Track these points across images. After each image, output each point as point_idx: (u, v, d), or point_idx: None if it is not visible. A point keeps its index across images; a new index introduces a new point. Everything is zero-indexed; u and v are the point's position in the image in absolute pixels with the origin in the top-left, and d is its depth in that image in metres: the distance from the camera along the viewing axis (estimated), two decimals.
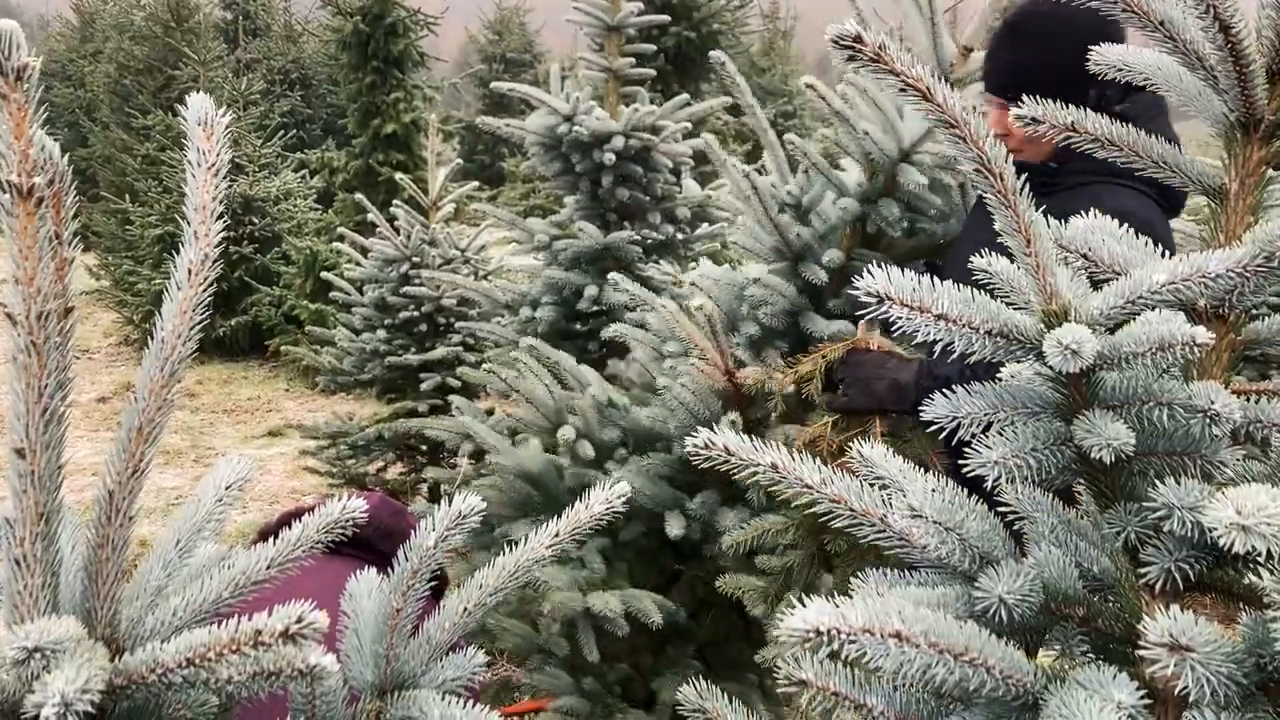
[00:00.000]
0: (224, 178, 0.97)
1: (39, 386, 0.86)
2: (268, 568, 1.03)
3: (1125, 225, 2.00)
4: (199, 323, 0.97)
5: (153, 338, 0.96)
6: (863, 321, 2.39)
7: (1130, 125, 1.64)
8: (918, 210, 2.60)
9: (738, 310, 2.66)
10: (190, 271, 0.96)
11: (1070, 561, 1.04)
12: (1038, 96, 1.04)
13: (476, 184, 6.69)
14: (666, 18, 4.76)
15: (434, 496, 4.73)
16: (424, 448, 4.91)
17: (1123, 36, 2.16)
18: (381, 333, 5.01)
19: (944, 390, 2.21)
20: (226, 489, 1.11)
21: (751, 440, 1.06)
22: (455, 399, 4.15)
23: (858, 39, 0.83)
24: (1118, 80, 1.57)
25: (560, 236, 3.92)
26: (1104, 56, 1.10)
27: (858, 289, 0.90)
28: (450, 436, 3.95)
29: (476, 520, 1.11)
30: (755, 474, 1.04)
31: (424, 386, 4.81)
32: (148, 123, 10.74)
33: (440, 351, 4.88)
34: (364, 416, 6.52)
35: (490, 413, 4.15)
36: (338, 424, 5.07)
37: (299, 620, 0.82)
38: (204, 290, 0.97)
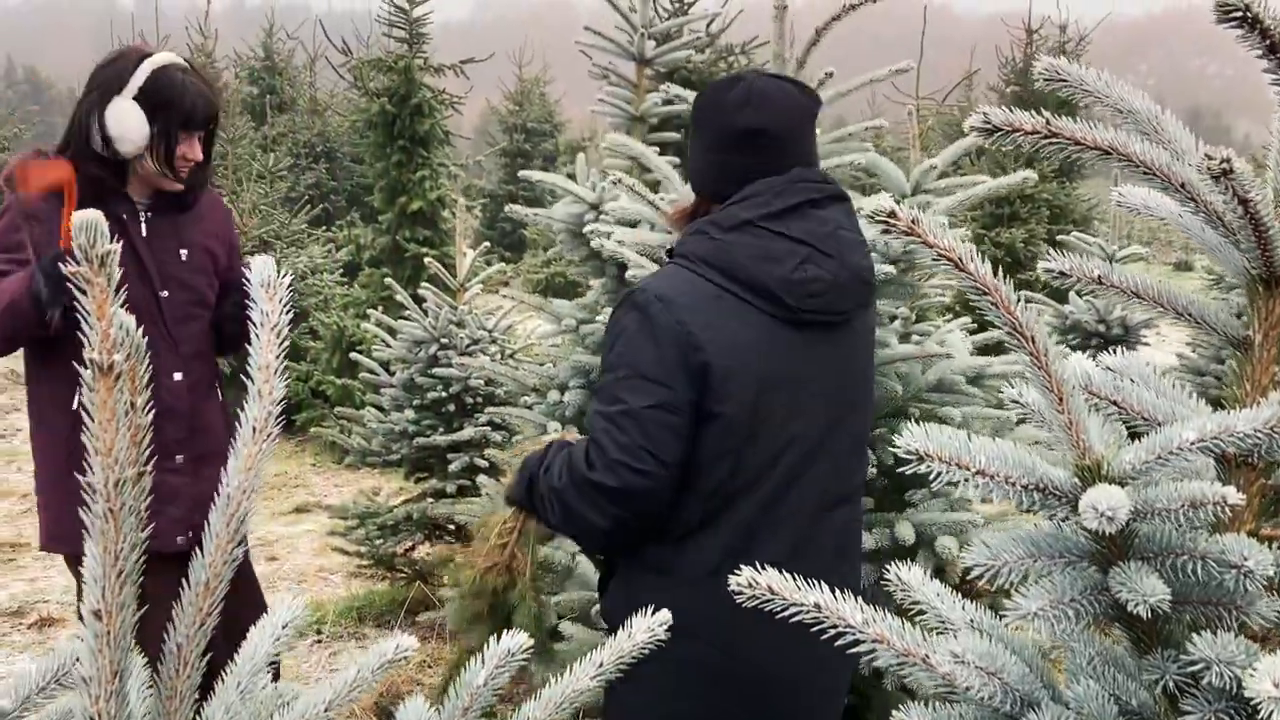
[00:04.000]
0: (286, 339, 1.02)
1: (115, 550, 0.90)
2: (325, 710, 1.07)
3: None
4: (260, 473, 1.01)
5: (218, 492, 1.01)
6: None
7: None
8: None
9: None
10: (255, 429, 1.00)
11: (1108, 697, 1.06)
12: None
13: (502, 264, 6.78)
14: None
15: None
16: (452, 527, 4.93)
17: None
18: (410, 413, 5.06)
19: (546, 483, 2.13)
20: (283, 628, 1.15)
21: (794, 579, 1.09)
22: (483, 479, 4.18)
23: (892, 214, 0.88)
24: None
25: (587, 320, 3.97)
26: (1127, 199, 1.14)
27: (896, 446, 0.93)
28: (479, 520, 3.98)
29: (524, 658, 1.14)
30: (799, 613, 1.07)
31: (452, 468, 4.85)
32: None
33: (468, 432, 4.92)
34: (390, 490, 6.53)
35: None
36: (365, 504, 5.10)
37: None
38: (268, 443, 1.01)
